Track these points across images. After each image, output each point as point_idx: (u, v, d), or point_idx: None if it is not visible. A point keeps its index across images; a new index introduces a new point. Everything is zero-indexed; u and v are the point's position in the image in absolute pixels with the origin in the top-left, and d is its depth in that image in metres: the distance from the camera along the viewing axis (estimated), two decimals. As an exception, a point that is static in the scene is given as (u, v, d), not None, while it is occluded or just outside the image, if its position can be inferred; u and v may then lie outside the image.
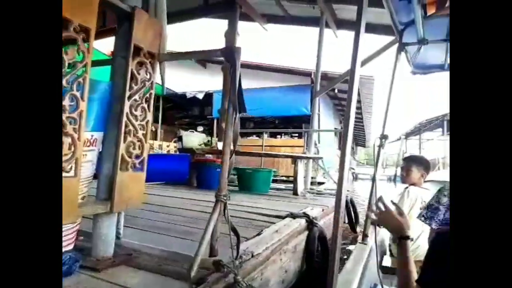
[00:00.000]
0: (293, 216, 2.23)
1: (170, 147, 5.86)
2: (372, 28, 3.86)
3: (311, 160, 4.25)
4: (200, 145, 4.46)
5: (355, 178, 20.68)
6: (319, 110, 8.96)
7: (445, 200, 1.50)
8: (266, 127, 10.32)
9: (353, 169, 22.56)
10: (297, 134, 9.21)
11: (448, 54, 2.20)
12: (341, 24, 4.80)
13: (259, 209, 2.49)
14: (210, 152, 4.18)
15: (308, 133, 4.30)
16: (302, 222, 2.15)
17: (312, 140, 4.31)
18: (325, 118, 9.69)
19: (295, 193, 3.76)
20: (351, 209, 3.99)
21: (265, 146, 7.96)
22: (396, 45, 2.21)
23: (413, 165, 2.33)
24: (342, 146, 1.30)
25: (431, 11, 1.81)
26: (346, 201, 3.85)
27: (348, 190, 4.16)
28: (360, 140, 24.58)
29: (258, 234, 1.71)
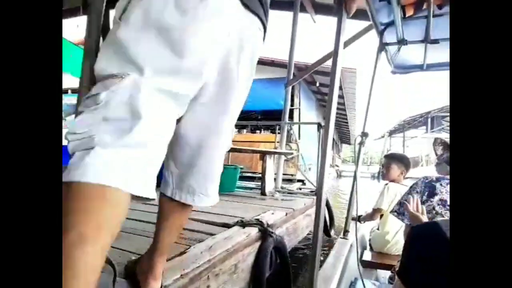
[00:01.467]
0: (243, 224, 1.80)
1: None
2: (354, 15, 3.53)
3: (282, 156, 3.83)
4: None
5: (339, 175, 20.55)
6: (299, 105, 8.61)
7: (416, 196, 1.50)
8: (249, 123, 9.94)
9: (337, 166, 22.46)
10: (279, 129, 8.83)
11: (426, 55, 2.27)
12: (320, 8, 4.41)
13: (209, 215, 2.06)
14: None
15: (281, 127, 3.88)
16: (253, 232, 1.73)
17: (284, 134, 3.89)
18: (307, 113, 9.32)
19: (263, 193, 3.34)
20: (326, 211, 3.61)
21: (244, 141, 7.55)
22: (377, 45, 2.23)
23: (393, 162, 2.39)
24: (323, 140, 1.25)
25: (409, 12, 1.83)
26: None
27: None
28: (344, 137, 24.48)
29: (180, 254, 1.27)
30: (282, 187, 3.81)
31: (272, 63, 8.02)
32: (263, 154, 3.36)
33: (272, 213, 2.23)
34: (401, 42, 2.08)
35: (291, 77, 3.75)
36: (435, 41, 2.01)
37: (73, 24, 5.22)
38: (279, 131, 8.75)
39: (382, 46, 2.21)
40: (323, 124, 11.97)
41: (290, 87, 3.87)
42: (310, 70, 3.20)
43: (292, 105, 8.36)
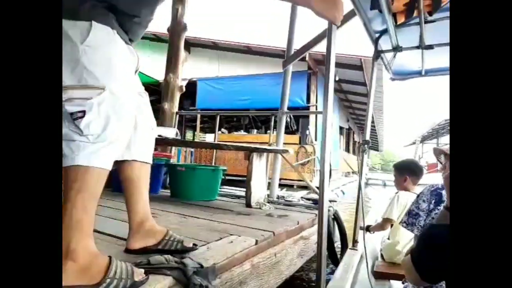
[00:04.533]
0: (150, 267, 0.97)
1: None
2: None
3: (279, 157, 2.95)
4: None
5: (366, 183, 19.19)
6: (316, 101, 7.67)
7: (424, 205, 1.53)
8: (262, 122, 9.09)
9: (364, 174, 21.08)
10: (293, 129, 7.90)
11: (424, 60, 2.27)
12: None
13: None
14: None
15: (277, 119, 3.00)
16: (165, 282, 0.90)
17: (282, 127, 3.00)
18: (325, 113, 8.32)
19: (247, 203, 2.48)
20: (335, 227, 2.70)
21: (232, 142, 6.76)
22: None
23: (395, 172, 2.35)
24: (322, 134, 1.18)
25: (400, 20, 1.84)
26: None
27: (331, 203, 2.85)
28: (372, 143, 23.00)
29: None
30: (279, 197, 2.92)
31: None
32: (248, 153, 2.51)
33: (231, 242, 1.38)
34: (396, 49, 2.11)
35: (291, 52, 2.88)
36: (430, 47, 2.03)
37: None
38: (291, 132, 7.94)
39: (378, 54, 2.22)
40: (345, 127, 10.80)
41: (291, 67, 2.98)
42: (309, 47, 2.34)
43: (308, 102, 7.45)
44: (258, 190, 2.58)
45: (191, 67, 8.20)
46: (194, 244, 1.22)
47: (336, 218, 2.74)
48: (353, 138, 15.41)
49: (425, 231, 1.00)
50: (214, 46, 8.45)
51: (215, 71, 8.40)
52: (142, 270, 0.93)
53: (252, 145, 2.73)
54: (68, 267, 0.82)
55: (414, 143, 21.08)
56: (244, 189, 2.59)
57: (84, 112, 0.87)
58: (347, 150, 13.51)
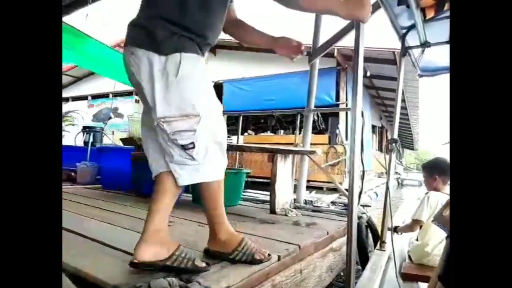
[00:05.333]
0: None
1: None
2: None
3: (306, 158, 2.74)
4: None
5: (401, 184, 18.34)
6: (346, 99, 7.31)
7: None
8: (289, 123, 8.86)
9: (398, 174, 20.25)
10: (321, 129, 7.61)
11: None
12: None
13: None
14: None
15: (304, 118, 2.79)
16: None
17: (309, 126, 2.78)
18: (356, 111, 7.94)
19: (272, 209, 2.31)
20: (368, 235, 2.46)
21: (259, 144, 6.58)
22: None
23: (425, 172, 2.28)
24: (351, 133, 1.20)
25: (430, 14, 1.79)
26: (359, 226, 2.31)
27: (364, 208, 2.60)
28: (406, 141, 21.92)
29: None
30: (307, 201, 2.71)
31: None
32: (272, 154, 2.33)
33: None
34: (424, 45, 2.04)
35: (318, 44, 2.67)
36: None
37: (83, 14, 4.79)
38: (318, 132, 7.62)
39: (405, 50, 2.15)
40: (378, 125, 10.28)
41: (317, 63, 2.77)
42: (336, 40, 2.11)
43: (337, 100, 7.13)
44: (283, 195, 2.40)
45: (217, 69, 8.16)
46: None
47: (370, 225, 2.49)
48: (387, 137, 14.74)
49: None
50: (239, 47, 8.35)
51: (241, 72, 8.30)
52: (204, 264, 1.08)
53: (279, 146, 2.55)
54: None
55: (453, 140, 19.73)
56: (264, 192, 2.43)
57: (193, 143, 1.05)
58: (380, 149, 12.91)
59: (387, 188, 2.03)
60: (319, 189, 6.26)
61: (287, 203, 2.43)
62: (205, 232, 1.26)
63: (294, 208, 2.49)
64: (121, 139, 3.38)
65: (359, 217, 2.31)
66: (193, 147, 1.05)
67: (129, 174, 2.87)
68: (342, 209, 2.49)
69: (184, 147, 1.04)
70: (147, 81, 1.03)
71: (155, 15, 1.05)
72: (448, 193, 2.08)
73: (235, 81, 8.29)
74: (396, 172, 18.61)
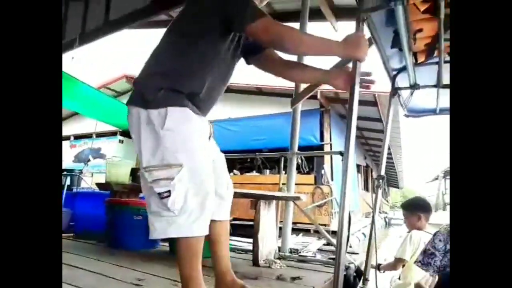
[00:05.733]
0: None
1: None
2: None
3: (291, 203, 2.65)
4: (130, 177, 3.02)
5: (388, 224, 18.19)
6: (330, 139, 7.41)
7: (441, 245, 1.54)
8: (276, 162, 8.83)
9: (385, 213, 20.17)
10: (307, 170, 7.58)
11: (439, 99, 2.26)
12: (342, 13, 3.50)
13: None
14: (131, 188, 2.72)
15: (287, 161, 2.74)
16: None
17: (293, 169, 2.72)
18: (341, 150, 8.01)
19: (255, 262, 2.15)
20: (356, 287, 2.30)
21: (244, 184, 6.50)
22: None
23: (406, 211, 2.31)
24: (343, 169, 1.18)
25: (421, 59, 1.88)
26: (347, 278, 2.16)
27: (352, 256, 2.48)
28: (392, 180, 22.12)
29: None
30: (292, 250, 2.57)
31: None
32: (255, 201, 2.23)
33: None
34: (414, 87, 2.12)
35: (300, 89, 2.70)
36: (447, 86, 2.01)
37: (68, 57, 4.81)
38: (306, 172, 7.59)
39: (395, 91, 2.23)
40: (363, 164, 10.36)
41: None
42: (318, 85, 2.17)
43: (321, 140, 7.20)
44: (267, 244, 2.26)
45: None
46: None
47: (358, 275, 2.35)
48: (371, 176, 14.84)
49: None
50: (226, 89, 8.49)
51: (228, 113, 8.37)
52: None
53: (264, 187, 2.45)
54: None
55: (436, 178, 20.09)
56: (247, 239, 2.29)
57: (169, 191, 1.02)
58: (366, 188, 12.92)
59: (373, 223, 2.02)
60: (306, 231, 6.08)
61: (270, 253, 2.29)
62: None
63: (279, 258, 2.34)
64: (97, 184, 3.22)
65: (347, 268, 2.17)
66: (169, 196, 1.02)
67: (103, 222, 2.69)
68: (329, 259, 2.36)
69: (160, 195, 1.03)
70: (136, 134, 1.10)
71: (147, 70, 1.15)
72: (430, 232, 2.10)
73: (222, 121, 8.33)
74: (383, 211, 18.52)
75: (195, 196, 1.05)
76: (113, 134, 9.97)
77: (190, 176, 1.05)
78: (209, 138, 1.27)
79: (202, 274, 1.12)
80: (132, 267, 1.87)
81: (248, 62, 1.39)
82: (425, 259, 1.61)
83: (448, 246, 1.53)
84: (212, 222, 1.20)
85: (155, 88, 1.09)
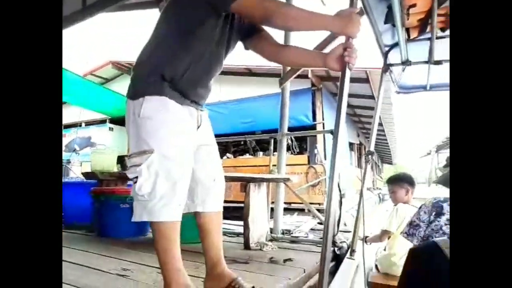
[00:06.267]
0: None
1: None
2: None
3: (281, 185, 2.60)
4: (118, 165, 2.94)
5: (382, 199, 18.51)
6: (323, 119, 7.34)
7: (425, 217, 1.62)
8: (269, 144, 8.77)
9: (379, 189, 20.49)
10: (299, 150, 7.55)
11: (430, 75, 2.28)
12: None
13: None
14: (118, 176, 2.64)
15: (277, 142, 2.68)
16: None
17: (283, 151, 2.66)
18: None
19: (246, 245, 2.13)
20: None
21: (238, 167, 6.45)
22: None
23: (394, 185, 2.37)
24: (332, 148, 1.15)
25: (414, 34, 1.90)
26: (339, 257, 2.16)
27: (344, 235, 2.47)
28: (385, 156, 22.30)
29: None
30: (284, 232, 2.55)
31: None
32: (245, 183, 2.18)
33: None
34: (405, 63, 2.13)
35: (287, 69, 2.60)
36: (439, 62, 2.05)
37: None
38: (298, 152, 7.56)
39: (387, 67, 2.23)
40: (356, 142, 10.33)
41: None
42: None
43: (314, 119, 7.13)
44: (259, 227, 2.23)
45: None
46: None
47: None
48: (365, 153, 14.90)
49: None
50: (215, 71, 8.31)
51: (217, 95, 8.22)
52: None
53: (258, 169, 2.40)
54: None
55: (429, 153, 20.27)
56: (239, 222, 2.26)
57: (137, 177, 1.05)
58: (359, 166, 13.00)
59: (361, 197, 2.04)
60: (300, 211, 6.11)
61: (262, 236, 2.26)
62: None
63: (271, 240, 2.32)
64: (83, 173, 3.14)
65: (340, 248, 2.16)
66: (136, 182, 1.05)
67: (89, 212, 2.64)
68: (320, 239, 2.34)
69: (132, 181, 1.08)
70: (126, 125, 1.15)
71: (137, 61, 1.17)
72: (415, 205, 2.18)
73: (211, 104, 8.19)
74: (377, 188, 18.79)
75: (166, 181, 1.05)
76: (103, 122, 9.79)
77: (161, 162, 1.05)
78: (198, 126, 1.24)
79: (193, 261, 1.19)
80: (119, 256, 1.83)
81: (245, 47, 1.34)
82: (411, 230, 1.68)
83: (431, 218, 1.61)
84: (198, 213, 1.24)
85: (140, 77, 1.13)
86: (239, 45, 1.36)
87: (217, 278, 1.23)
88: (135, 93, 1.11)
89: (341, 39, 1.20)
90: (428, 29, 1.83)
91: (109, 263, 1.68)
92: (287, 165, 5.27)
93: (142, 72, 1.14)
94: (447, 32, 1.83)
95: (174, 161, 1.07)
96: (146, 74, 1.11)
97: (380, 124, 10.79)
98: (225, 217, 3.33)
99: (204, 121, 1.28)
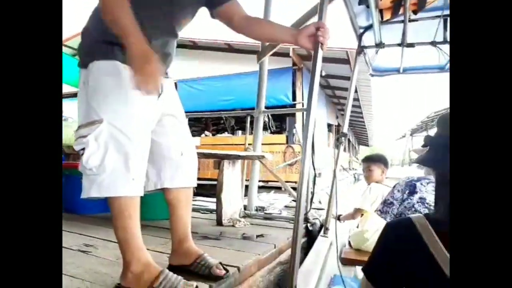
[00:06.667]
0: None
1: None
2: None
3: (257, 162, 2.57)
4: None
5: (357, 179, 19.10)
6: (303, 99, 7.30)
7: (398, 195, 1.69)
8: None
9: (354, 169, 21.09)
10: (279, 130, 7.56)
11: (403, 58, 2.32)
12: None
13: None
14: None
15: (254, 120, 2.62)
16: None
17: (259, 128, 2.61)
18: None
19: (219, 222, 2.10)
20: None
21: (214, 145, 6.40)
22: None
23: (372, 164, 2.40)
24: (304, 127, 1.20)
25: (387, 16, 1.87)
26: (312, 233, 2.18)
27: (317, 212, 2.49)
28: (361, 138, 22.79)
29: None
30: (258, 208, 2.54)
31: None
32: (218, 161, 2.13)
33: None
34: (379, 45, 2.14)
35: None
36: (411, 45, 2.08)
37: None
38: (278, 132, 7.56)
39: (361, 49, 2.24)
40: (335, 123, 10.42)
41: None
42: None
43: (294, 99, 7.09)
44: (232, 204, 2.20)
45: (170, 69, 7.76)
46: (226, 270, 1.14)
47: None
48: (337, 135, 15.14)
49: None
50: (193, 45, 8.01)
51: (196, 71, 7.98)
52: (194, 284, 1.01)
53: (236, 147, 2.35)
54: (127, 275, 1.00)
55: (404, 136, 20.89)
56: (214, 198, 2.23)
57: (84, 149, 0.95)
58: (336, 146, 13.20)
59: (334, 177, 2.06)
60: (277, 189, 6.16)
61: (235, 212, 2.24)
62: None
63: (244, 216, 2.31)
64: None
65: (312, 224, 2.18)
66: (83, 154, 0.95)
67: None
68: (293, 215, 2.36)
69: (80, 154, 0.98)
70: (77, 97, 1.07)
71: (84, 27, 1.08)
72: (388, 185, 2.26)
73: (189, 80, 7.95)
74: (352, 168, 19.32)
75: (116, 153, 0.96)
76: (75, 95, 9.34)
77: (111, 132, 0.96)
78: (159, 96, 1.12)
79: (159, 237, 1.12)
80: (82, 232, 1.76)
81: (211, 15, 1.24)
82: (384, 207, 1.72)
83: (404, 196, 1.66)
84: (168, 189, 1.18)
85: (88, 44, 1.05)
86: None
87: (183, 255, 1.19)
88: (84, 60, 1.04)
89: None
90: (401, 11, 1.82)
91: (71, 239, 1.61)
92: (265, 144, 5.25)
93: (90, 37, 1.05)
94: (420, 15, 1.84)
95: (127, 131, 0.98)
96: (94, 40, 1.03)
97: (359, 106, 10.91)
98: (201, 194, 3.31)
99: (167, 89, 1.17)
